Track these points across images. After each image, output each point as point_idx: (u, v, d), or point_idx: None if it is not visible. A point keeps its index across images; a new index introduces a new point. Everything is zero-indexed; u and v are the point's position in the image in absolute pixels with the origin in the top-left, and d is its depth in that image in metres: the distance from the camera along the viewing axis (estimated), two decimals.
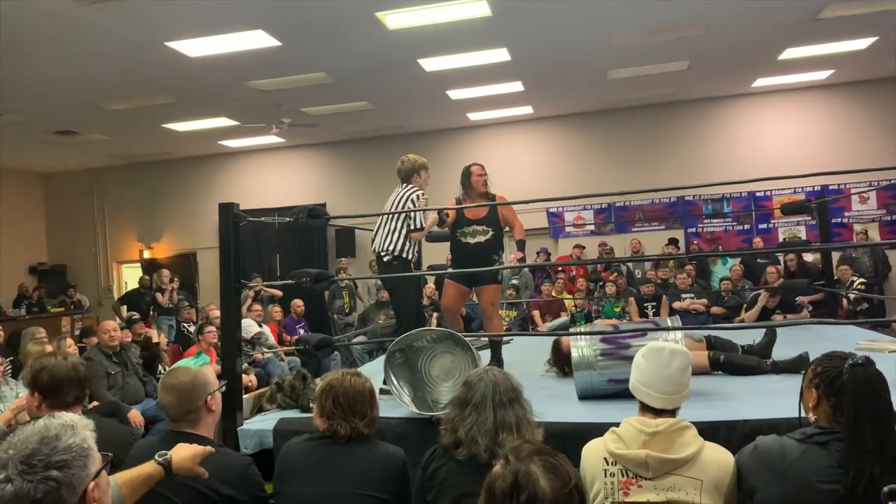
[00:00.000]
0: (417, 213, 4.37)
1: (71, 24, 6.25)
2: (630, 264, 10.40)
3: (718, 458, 2.04)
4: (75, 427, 1.24)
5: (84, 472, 1.20)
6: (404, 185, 4.54)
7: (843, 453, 1.84)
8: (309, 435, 2.46)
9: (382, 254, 4.42)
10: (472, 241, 4.61)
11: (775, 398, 3.37)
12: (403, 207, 4.39)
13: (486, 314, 4.74)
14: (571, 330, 4.53)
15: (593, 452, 2.11)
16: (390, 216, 4.41)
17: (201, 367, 2.21)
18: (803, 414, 2.06)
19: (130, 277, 13.54)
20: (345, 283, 9.43)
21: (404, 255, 4.42)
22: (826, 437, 1.91)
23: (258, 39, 6.96)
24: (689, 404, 3.23)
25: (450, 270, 5.16)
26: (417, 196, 4.44)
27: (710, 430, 2.78)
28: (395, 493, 2.32)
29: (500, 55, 7.99)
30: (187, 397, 2.19)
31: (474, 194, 4.67)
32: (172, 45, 6.93)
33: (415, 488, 2.25)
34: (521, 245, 4.65)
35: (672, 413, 2.10)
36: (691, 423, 2.09)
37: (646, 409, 2.11)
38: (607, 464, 2.05)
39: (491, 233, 4.60)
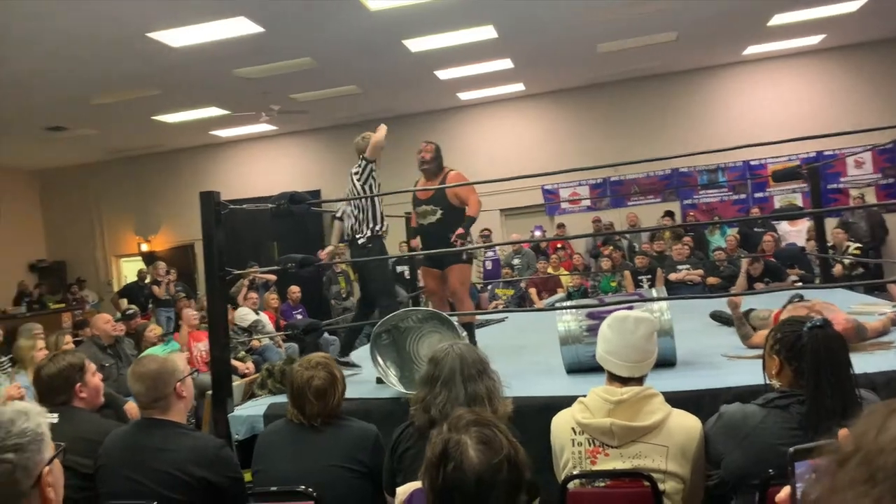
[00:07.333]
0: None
1: (51, 17, 6.20)
2: (629, 238, 10.37)
3: (685, 425, 2.05)
4: (29, 414, 1.26)
5: (38, 457, 1.22)
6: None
7: (805, 415, 1.86)
8: (285, 419, 2.50)
9: (358, 237, 4.29)
10: (424, 222, 4.55)
11: (760, 364, 3.38)
12: (365, 184, 4.26)
13: (457, 296, 4.58)
14: (558, 304, 4.52)
15: (562, 422, 2.12)
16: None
17: (170, 354, 2.22)
18: (767, 381, 2.07)
19: (130, 271, 13.57)
20: (340, 269, 9.43)
21: (378, 232, 4.30)
22: (786, 400, 1.92)
23: (241, 26, 6.89)
24: (673, 373, 3.21)
25: (404, 254, 5.07)
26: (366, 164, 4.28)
27: (694, 399, 2.78)
28: (369, 465, 2.36)
29: (487, 32, 7.90)
30: (156, 384, 2.21)
31: (420, 171, 4.64)
32: (154, 35, 6.87)
33: (385, 469, 2.23)
34: (467, 222, 4.39)
35: (639, 381, 2.10)
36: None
37: (613, 378, 2.11)
38: (575, 433, 2.06)
39: (440, 212, 4.45)
